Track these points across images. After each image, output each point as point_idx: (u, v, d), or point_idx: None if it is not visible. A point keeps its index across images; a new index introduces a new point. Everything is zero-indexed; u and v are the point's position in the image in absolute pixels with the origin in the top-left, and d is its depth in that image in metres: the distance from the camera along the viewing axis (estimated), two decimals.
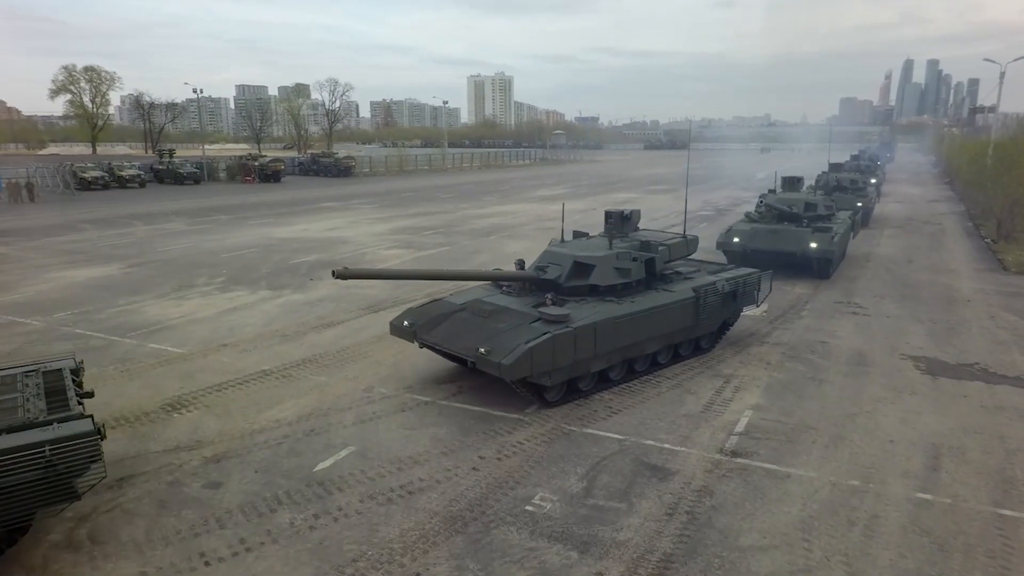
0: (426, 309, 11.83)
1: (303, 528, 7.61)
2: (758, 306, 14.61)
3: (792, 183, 23.62)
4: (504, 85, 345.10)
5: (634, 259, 11.94)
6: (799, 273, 19.97)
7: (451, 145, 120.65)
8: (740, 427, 10.24)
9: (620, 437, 9.85)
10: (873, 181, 36.96)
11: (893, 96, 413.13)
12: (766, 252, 19.39)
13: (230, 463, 8.85)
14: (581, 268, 11.57)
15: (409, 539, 7.44)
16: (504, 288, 12.18)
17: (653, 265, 12.34)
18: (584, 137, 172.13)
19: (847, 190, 30.25)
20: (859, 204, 27.97)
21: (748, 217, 21.82)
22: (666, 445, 9.64)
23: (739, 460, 9.25)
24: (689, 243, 14.02)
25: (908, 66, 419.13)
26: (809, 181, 31.54)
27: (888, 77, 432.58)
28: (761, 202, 22.42)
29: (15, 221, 32.41)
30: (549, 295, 11.17)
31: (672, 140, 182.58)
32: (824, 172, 34.07)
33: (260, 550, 7.22)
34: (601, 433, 9.97)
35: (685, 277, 13.12)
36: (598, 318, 10.68)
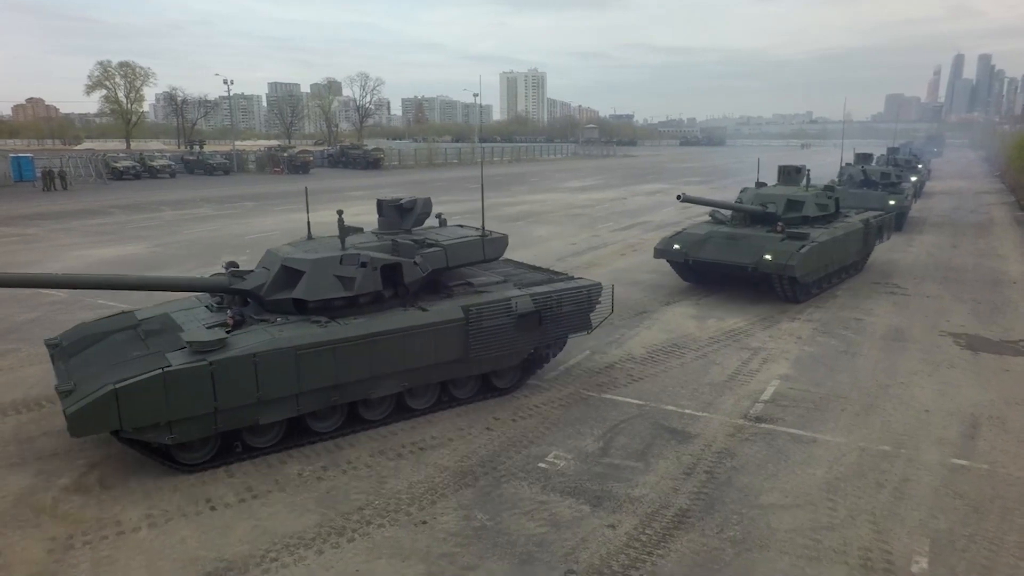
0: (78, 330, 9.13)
1: (311, 479, 7.51)
2: (590, 332, 10.51)
3: (790, 175, 18.11)
4: (537, 82, 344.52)
5: (363, 264, 8.48)
6: (763, 295, 15.07)
7: (482, 141, 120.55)
8: (766, 395, 9.88)
9: (640, 402, 9.58)
10: (914, 179, 32.25)
11: (942, 92, 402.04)
12: (713, 264, 15.15)
13: None
14: (290, 275, 8.50)
15: (417, 491, 7.30)
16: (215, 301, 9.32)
17: (397, 274, 8.84)
18: (618, 133, 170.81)
19: (877, 185, 26.41)
20: (891, 203, 24.17)
21: (714, 218, 17.03)
22: (687, 411, 9.34)
23: (763, 425, 8.91)
24: (489, 244, 10.18)
25: (958, 61, 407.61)
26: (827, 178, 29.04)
27: (937, 73, 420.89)
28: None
29: (47, 207, 33.17)
30: (231, 311, 8.46)
31: (709, 137, 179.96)
32: (848, 164, 29.24)
33: (267, 497, 7.14)
34: (620, 398, 9.71)
35: (477, 290, 9.66)
36: (263, 347, 7.60)
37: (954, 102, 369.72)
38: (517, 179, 54.33)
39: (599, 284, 10.46)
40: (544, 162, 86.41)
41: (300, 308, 8.41)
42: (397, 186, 46.72)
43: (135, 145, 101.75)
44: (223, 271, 9.05)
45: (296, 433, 8.23)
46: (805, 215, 16.11)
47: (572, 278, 10.65)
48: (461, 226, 10.89)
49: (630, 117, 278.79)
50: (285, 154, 61.80)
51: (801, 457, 8.08)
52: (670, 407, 9.43)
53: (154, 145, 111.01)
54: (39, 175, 43.57)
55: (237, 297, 8.84)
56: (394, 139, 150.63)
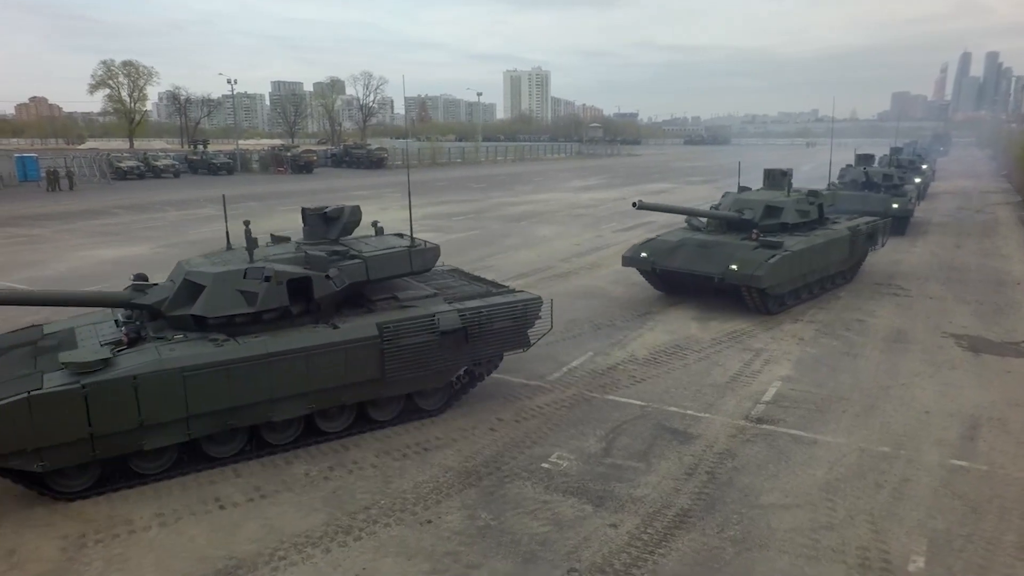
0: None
1: (317, 479, 7.64)
2: (526, 350, 9.87)
3: (775, 178, 16.94)
4: (541, 80, 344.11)
5: (267, 279, 7.93)
6: (738, 307, 14.19)
7: (485, 139, 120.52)
8: (768, 396, 9.97)
9: (642, 403, 9.68)
10: (918, 180, 31.08)
11: (949, 90, 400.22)
12: (681, 274, 14.42)
13: None
14: (191, 290, 7.94)
15: (422, 490, 7.41)
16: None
17: (307, 289, 8.19)
18: (622, 132, 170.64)
19: (879, 188, 25.41)
20: (895, 206, 23.49)
21: (690, 224, 16.20)
22: (689, 412, 9.43)
23: (765, 426, 9.00)
24: (417, 256, 9.42)
25: (965, 59, 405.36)
26: (814, 186, 28.71)
27: (943, 71, 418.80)
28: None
29: (52, 207, 33.40)
30: (126, 328, 8.00)
31: (713, 136, 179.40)
32: (849, 166, 28.04)
33: (274, 497, 7.27)
34: (623, 400, 9.81)
35: (402, 305, 8.99)
36: (145, 369, 7.09)
37: (961, 100, 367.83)
38: (520, 178, 54.43)
39: (538, 299, 9.73)
40: (548, 161, 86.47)
41: (200, 325, 7.88)
42: (403, 185, 46.82)
43: (138, 144, 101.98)
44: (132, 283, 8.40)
45: (195, 457, 7.80)
46: (784, 222, 15.07)
47: (512, 291, 9.91)
48: (400, 235, 10.12)
49: (634, 116, 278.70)
50: (289, 154, 61.92)
51: (802, 458, 8.17)
52: (672, 408, 9.53)
53: (157, 144, 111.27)
54: (43, 175, 43.83)
55: (147, 312, 8.22)
56: (397, 138, 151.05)
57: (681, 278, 14.62)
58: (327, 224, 9.76)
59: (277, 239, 9.40)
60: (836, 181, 26.63)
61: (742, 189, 16.99)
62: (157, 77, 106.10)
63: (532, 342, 9.77)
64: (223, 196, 10.37)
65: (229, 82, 65.12)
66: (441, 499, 7.26)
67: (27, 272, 18.00)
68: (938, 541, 6.53)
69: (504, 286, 10.23)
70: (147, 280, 8.50)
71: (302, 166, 59.61)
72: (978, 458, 8.17)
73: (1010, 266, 19.23)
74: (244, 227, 8.51)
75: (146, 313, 8.23)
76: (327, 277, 8.37)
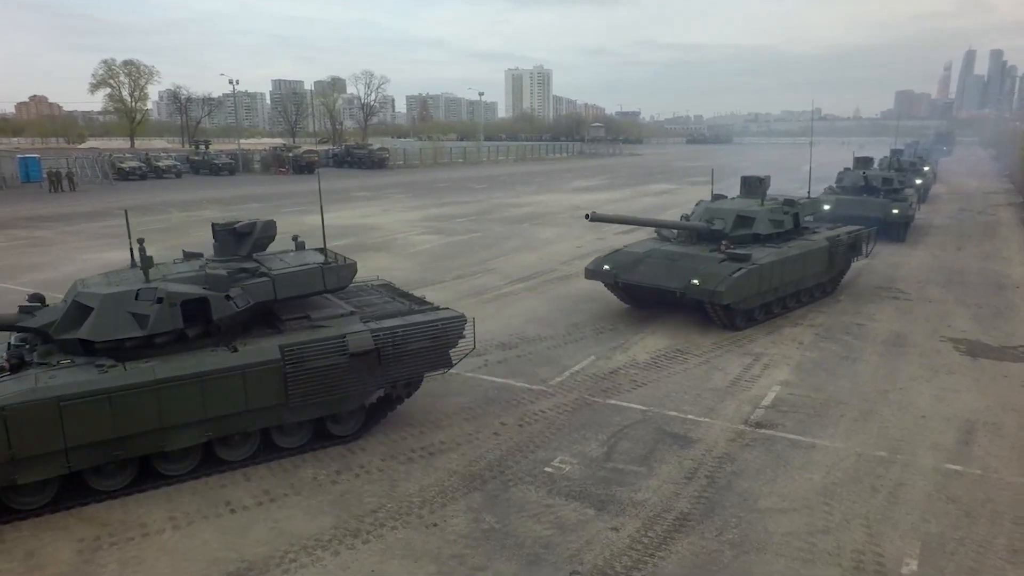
0: None
1: (325, 482, 7.82)
2: (446, 372, 9.46)
3: (752, 185, 16.16)
4: (543, 79, 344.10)
5: (158, 300, 7.47)
6: (705, 321, 13.61)
7: (487, 139, 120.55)
8: (767, 401, 10.13)
9: (643, 408, 9.85)
10: (919, 182, 30.46)
11: (953, 89, 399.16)
12: (644, 288, 13.75)
13: None
14: (81, 311, 7.50)
15: (428, 494, 7.59)
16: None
17: (205, 310, 7.71)
18: (624, 131, 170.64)
19: (878, 192, 24.40)
20: (895, 211, 22.79)
21: (659, 234, 15.59)
22: (689, 416, 9.60)
23: (763, 431, 9.16)
24: (330, 273, 8.86)
25: (969, 57, 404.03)
26: (827, 183, 27.33)
27: (947, 69, 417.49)
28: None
29: (55, 208, 33.72)
30: (6, 353, 7.56)
31: (715, 135, 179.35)
32: (847, 169, 27.05)
33: (283, 500, 7.45)
34: (624, 404, 9.98)
35: (314, 325, 8.48)
36: (15, 399, 6.65)
37: (965, 98, 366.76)
38: (522, 179, 54.59)
39: (461, 317, 9.25)
40: (549, 161, 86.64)
41: (88, 349, 7.39)
42: (404, 186, 47.07)
43: (139, 143, 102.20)
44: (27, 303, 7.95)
45: (78, 491, 7.32)
46: (756, 232, 14.43)
47: (436, 309, 9.44)
48: (323, 250, 9.49)
49: (637, 114, 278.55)
50: (290, 154, 62.10)
51: (799, 462, 8.33)
52: (673, 412, 9.69)
53: (158, 143, 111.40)
54: (45, 176, 44.04)
55: (40, 336, 7.70)
56: (398, 137, 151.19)
57: (645, 292, 13.96)
58: (238, 240, 9.17)
59: (188, 255, 9.11)
60: (834, 185, 26.16)
61: (716, 197, 16.24)
62: (158, 76, 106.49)
63: (455, 362, 9.33)
64: (125, 211, 10.61)
65: (230, 82, 65.34)
66: (446, 503, 7.43)
67: (35, 275, 18.21)
68: (931, 544, 6.70)
69: (429, 304, 9.69)
70: (43, 300, 8.10)
71: (303, 166, 59.79)
72: (972, 462, 8.33)
73: (1010, 269, 19.35)
74: (138, 245, 8.22)
75: (39, 337, 7.73)
76: (227, 297, 7.90)
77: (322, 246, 9.55)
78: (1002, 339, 13.05)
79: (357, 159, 67.77)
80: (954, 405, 10.02)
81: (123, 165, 51.36)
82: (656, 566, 6.41)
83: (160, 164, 54.01)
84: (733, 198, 16.09)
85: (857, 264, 19.32)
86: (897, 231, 23.08)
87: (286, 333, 8.28)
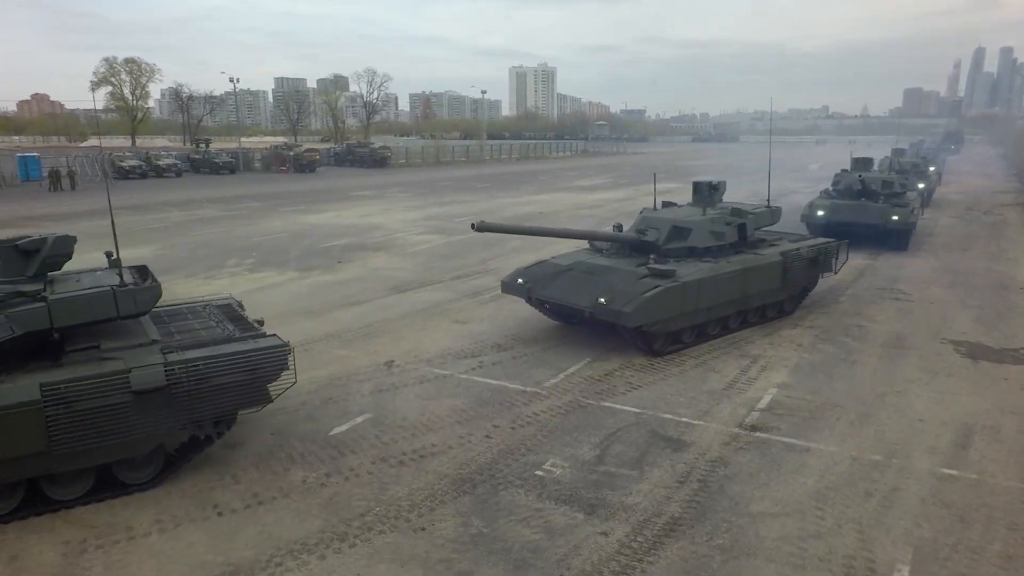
0: None
1: (314, 485, 7.78)
2: (260, 409, 8.29)
3: (704, 192, 14.62)
4: (547, 77, 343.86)
5: None
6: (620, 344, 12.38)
7: (491, 137, 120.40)
8: (763, 404, 10.05)
9: (638, 410, 9.78)
10: (921, 185, 28.87)
11: (962, 87, 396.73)
12: (556, 305, 12.66)
13: (248, 426, 9.05)
14: None
15: (417, 498, 7.54)
16: None
17: None
18: (628, 129, 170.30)
19: (877, 196, 22.55)
20: (894, 218, 21.21)
21: (592, 246, 13.90)
22: (684, 419, 9.53)
23: (758, 434, 9.08)
24: (125, 297, 7.61)
25: (979, 54, 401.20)
26: (823, 185, 26.26)
27: (957, 66, 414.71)
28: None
29: (55, 207, 33.75)
30: None
31: (721, 133, 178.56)
32: (844, 171, 25.07)
33: (272, 504, 7.41)
34: (618, 407, 9.92)
35: (102, 356, 7.39)
36: None
37: (975, 96, 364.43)
38: (525, 178, 54.57)
39: (283, 347, 8.02)
40: (553, 160, 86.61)
41: None
42: (406, 185, 47.09)
43: (140, 142, 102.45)
44: None
45: None
46: (692, 245, 12.92)
47: (259, 337, 8.22)
48: (134, 270, 8.88)
49: (642, 112, 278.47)
50: (291, 153, 62.11)
51: (793, 466, 8.26)
52: (667, 415, 9.63)
53: (159, 142, 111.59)
54: (45, 175, 44.12)
55: None
56: (401, 135, 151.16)
57: (558, 309, 12.84)
58: (25, 258, 7.90)
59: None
60: (830, 188, 24.53)
61: (666, 204, 14.72)
62: (159, 74, 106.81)
63: (273, 397, 8.20)
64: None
65: (231, 80, 65.44)
66: (435, 506, 7.39)
67: None
68: (924, 550, 6.62)
69: (256, 329, 8.60)
70: None
71: (304, 165, 59.81)
72: (969, 467, 8.23)
73: (1016, 270, 19.18)
74: None
75: None
76: None
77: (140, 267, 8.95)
78: (1003, 341, 12.93)
79: (359, 158, 67.75)
80: (952, 408, 9.92)
81: (123, 164, 51.43)
82: (644, 571, 6.35)
83: (160, 163, 54.04)
84: (681, 205, 14.65)
85: (858, 264, 19.26)
86: (897, 239, 21.67)
87: (64, 367, 7.13)
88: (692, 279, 11.89)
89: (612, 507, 7.38)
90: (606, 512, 7.28)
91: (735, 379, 10.99)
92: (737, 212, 14.04)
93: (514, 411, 9.75)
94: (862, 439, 8.95)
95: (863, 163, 25.37)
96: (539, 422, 9.42)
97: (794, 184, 46.31)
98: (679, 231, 13.10)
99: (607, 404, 9.98)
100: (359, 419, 9.37)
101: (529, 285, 12.74)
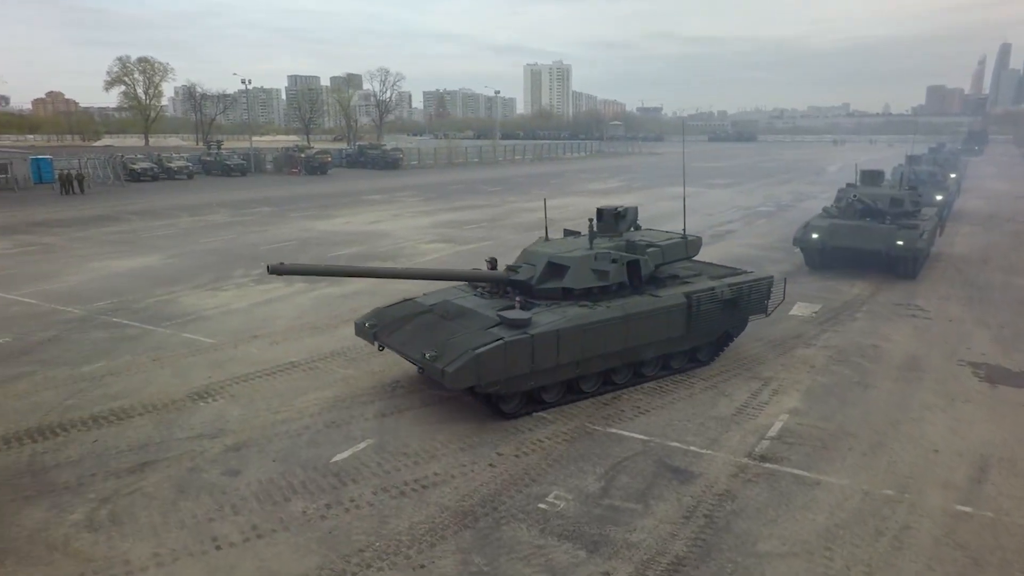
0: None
1: (314, 517, 7.69)
2: None
3: (607, 220, 12.55)
4: (562, 74, 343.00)
5: None
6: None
7: (504, 137, 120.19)
8: (773, 431, 9.85)
9: (644, 438, 9.61)
10: (940, 198, 26.30)
11: (987, 84, 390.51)
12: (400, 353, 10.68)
13: (250, 452, 9.03)
14: None
15: (418, 532, 7.43)
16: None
17: None
18: (644, 128, 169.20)
19: (884, 216, 19.56)
20: (899, 243, 18.53)
21: (471, 284, 11.90)
22: (692, 448, 9.35)
23: (767, 465, 8.89)
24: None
25: (1004, 50, 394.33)
26: (820, 201, 24.82)
27: (982, 63, 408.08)
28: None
29: (65, 212, 34.03)
30: None
31: (739, 131, 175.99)
32: (850, 185, 22.72)
33: (271, 537, 7.33)
34: (625, 433, 9.76)
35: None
36: None
37: (1000, 94, 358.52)
38: (538, 180, 54.37)
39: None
40: (567, 160, 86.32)
41: None
42: (417, 188, 47.08)
43: (153, 140, 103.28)
44: None
45: None
46: (567, 286, 10.90)
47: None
48: None
49: (658, 110, 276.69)
50: (303, 155, 62.17)
51: (803, 501, 8.06)
52: (674, 443, 9.45)
53: (172, 141, 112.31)
54: (56, 177, 44.48)
55: None
56: (415, 134, 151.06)
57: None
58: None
59: None
60: (832, 206, 21.83)
61: (568, 233, 13.00)
62: (172, 73, 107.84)
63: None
64: None
65: (243, 81, 65.82)
66: (436, 542, 7.27)
67: (40, 285, 18.30)
68: None
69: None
70: None
71: (316, 167, 59.86)
72: (984, 503, 8.00)
73: None
74: None
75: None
76: None
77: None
78: (1023, 364, 12.63)
79: (371, 159, 67.76)
80: (968, 438, 9.67)
81: (135, 166, 51.74)
82: None
83: (172, 165, 54.34)
84: (580, 235, 12.52)
85: (874, 277, 18.86)
86: (904, 267, 19.00)
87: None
88: (548, 329, 9.85)
89: (615, 545, 7.23)
90: (609, 550, 7.13)
91: (745, 403, 10.79)
92: (632, 246, 11.88)
93: (519, 437, 9.62)
94: (874, 471, 8.74)
95: (872, 177, 22.70)
96: (544, 449, 9.28)
97: (813, 188, 45.80)
98: (555, 268, 11.05)
99: (614, 430, 9.83)
100: (362, 445, 9.27)
101: (376, 330, 11.01)
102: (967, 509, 7.90)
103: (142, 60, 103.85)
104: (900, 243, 18.56)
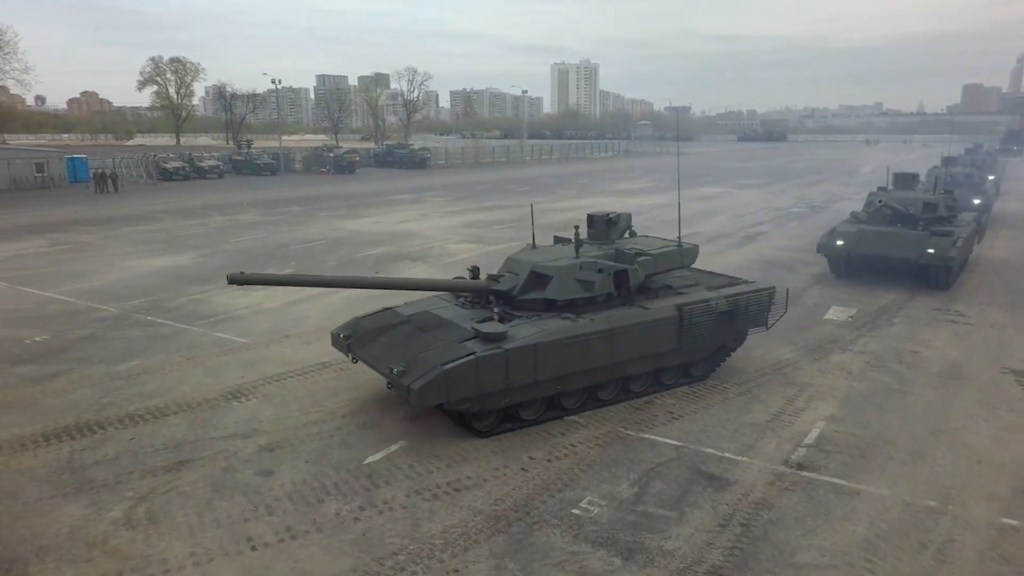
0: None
1: (348, 519, 7.69)
2: None
3: (600, 227, 12.21)
4: (589, 73, 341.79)
5: None
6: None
7: (531, 136, 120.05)
8: (810, 439, 9.67)
9: (678, 443, 9.50)
10: (977, 201, 24.91)
11: None
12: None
13: (283, 452, 9.08)
14: None
15: (451, 536, 7.40)
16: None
17: None
18: (672, 128, 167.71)
19: (916, 221, 18.42)
20: (930, 251, 17.14)
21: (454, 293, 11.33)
22: (727, 454, 9.21)
23: (804, 473, 8.73)
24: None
25: None
26: (852, 203, 23.90)
27: (1020, 60, 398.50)
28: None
29: (99, 211, 34.70)
30: None
31: (769, 131, 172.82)
32: (881, 189, 21.17)
33: (305, 538, 7.35)
34: (658, 439, 9.64)
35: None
36: None
37: None
38: (565, 181, 54.19)
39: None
40: (594, 160, 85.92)
41: None
42: (444, 188, 47.20)
43: (184, 139, 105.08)
44: None
45: None
46: (550, 297, 10.31)
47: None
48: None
49: (687, 109, 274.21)
50: (331, 154, 62.83)
51: (842, 511, 7.90)
52: (709, 449, 9.32)
53: (202, 140, 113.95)
54: (90, 177, 45.52)
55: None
56: (442, 133, 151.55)
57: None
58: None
59: None
60: (861, 211, 20.77)
61: (559, 240, 12.20)
62: (204, 73, 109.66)
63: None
64: None
65: (273, 82, 66.62)
66: (469, 546, 7.23)
67: (76, 283, 18.63)
68: None
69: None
70: None
71: (344, 167, 60.51)
72: None
73: None
74: None
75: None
76: None
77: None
78: None
79: (398, 159, 68.39)
80: (1013, 448, 9.41)
81: (167, 165, 52.91)
82: None
83: (203, 164, 55.40)
84: (567, 243, 11.77)
85: (911, 281, 18.47)
86: (936, 277, 17.77)
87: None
88: (524, 344, 9.29)
89: (651, 552, 7.14)
90: (644, 558, 7.04)
91: (781, 410, 10.62)
92: (621, 255, 11.18)
93: (551, 441, 9.55)
94: (915, 482, 8.53)
95: (906, 181, 21.28)
96: (576, 454, 9.21)
97: (846, 190, 45.10)
98: (538, 278, 10.47)
99: (647, 436, 9.72)
100: (394, 447, 9.27)
101: (350, 341, 10.54)
102: (1013, 522, 7.67)
103: (174, 60, 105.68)
104: (931, 251, 17.32)
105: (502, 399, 9.44)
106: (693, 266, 12.90)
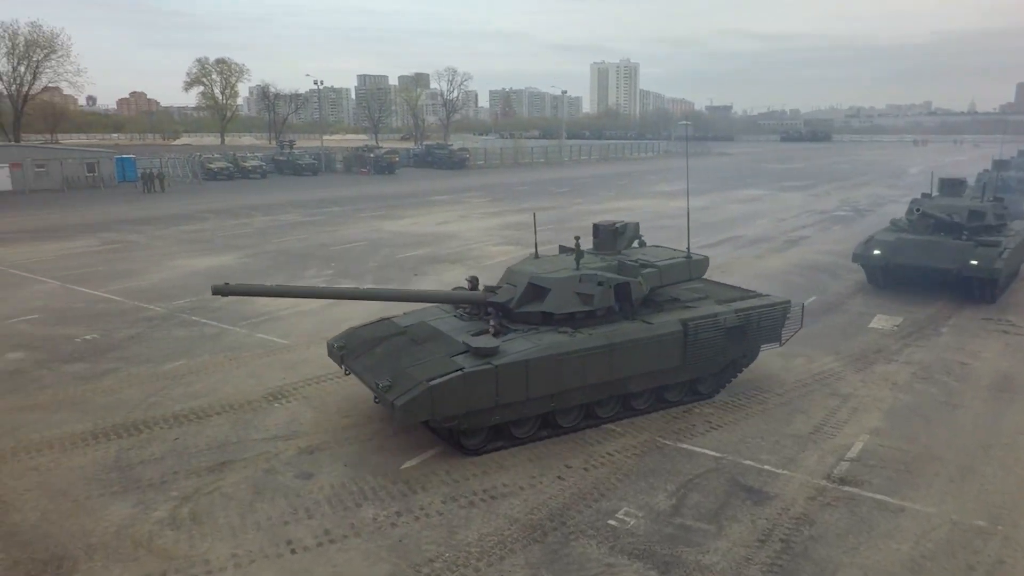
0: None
1: (385, 524, 7.76)
2: None
3: (609, 237, 12.06)
4: (629, 72, 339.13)
5: None
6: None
7: (570, 136, 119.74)
8: (853, 452, 9.47)
9: (717, 454, 9.38)
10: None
11: None
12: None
13: (322, 455, 9.20)
14: None
15: (487, 544, 7.42)
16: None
17: None
18: (713, 127, 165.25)
19: (961, 230, 17.31)
20: (973, 262, 16.20)
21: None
22: (766, 467, 9.07)
23: (847, 488, 8.55)
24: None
25: None
26: (900, 206, 22.73)
27: None
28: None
29: (147, 210, 35.65)
30: None
31: (813, 131, 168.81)
32: (925, 195, 19.67)
33: (343, 543, 7.44)
34: (697, 449, 9.54)
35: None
36: None
37: None
38: (604, 182, 53.93)
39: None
40: (634, 161, 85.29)
41: None
42: (484, 189, 47.34)
43: (228, 139, 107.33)
44: None
45: None
46: (547, 311, 9.96)
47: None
48: None
49: (728, 109, 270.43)
50: (372, 155, 63.56)
51: (886, 528, 7.72)
52: (748, 461, 9.19)
53: (246, 140, 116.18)
54: (139, 176, 47.00)
55: None
56: (481, 133, 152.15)
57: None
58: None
59: None
60: (903, 218, 19.43)
61: (564, 249, 11.96)
62: (248, 74, 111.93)
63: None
64: None
65: (315, 83, 67.70)
66: (505, 555, 7.25)
67: (124, 282, 19.17)
68: None
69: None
70: None
71: (384, 167, 61.20)
72: None
73: None
74: None
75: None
76: None
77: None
78: None
79: (438, 159, 68.93)
80: None
81: (211, 166, 54.60)
82: None
83: (247, 164, 56.74)
84: (571, 254, 10.92)
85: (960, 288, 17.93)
86: (981, 290, 16.81)
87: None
88: (515, 360, 8.95)
89: (688, 566, 7.06)
90: (681, 572, 6.97)
91: (823, 421, 10.42)
92: (624, 267, 10.87)
93: (587, 450, 9.51)
94: (963, 499, 8.30)
95: (953, 186, 20.15)
96: (613, 463, 9.16)
97: (890, 191, 44.03)
98: (536, 290, 10.11)
99: (685, 446, 9.62)
100: (430, 452, 9.32)
101: (344, 352, 10.28)
102: None
103: (220, 61, 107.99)
104: (974, 262, 16.26)
105: (492, 416, 9.10)
106: (708, 278, 12.62)
